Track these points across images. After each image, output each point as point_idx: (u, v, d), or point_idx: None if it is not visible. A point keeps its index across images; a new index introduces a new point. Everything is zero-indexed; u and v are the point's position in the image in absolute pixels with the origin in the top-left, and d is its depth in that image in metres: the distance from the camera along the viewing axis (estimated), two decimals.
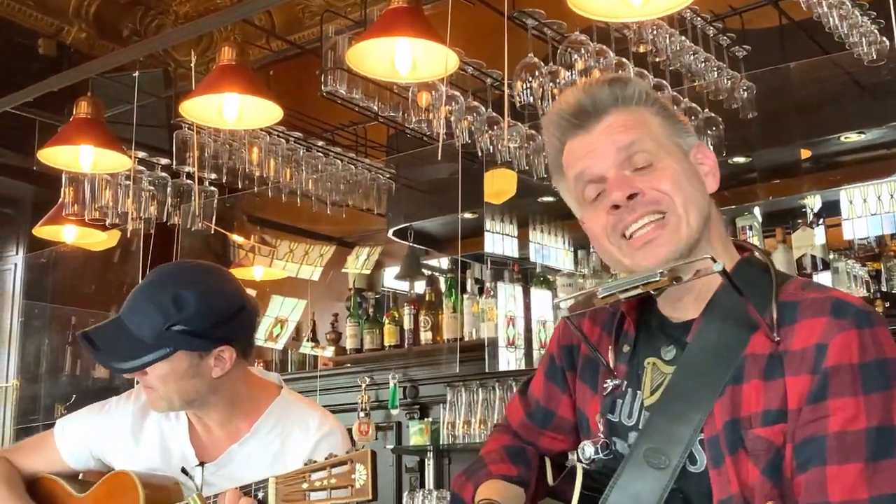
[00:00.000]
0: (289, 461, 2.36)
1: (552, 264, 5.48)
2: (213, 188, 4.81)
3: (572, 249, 5.43)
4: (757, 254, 1.77)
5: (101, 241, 5.34)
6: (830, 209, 4.64)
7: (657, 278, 1.59)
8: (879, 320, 1.55)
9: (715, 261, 1.55)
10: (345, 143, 4.86)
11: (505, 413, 2.12)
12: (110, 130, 4.11)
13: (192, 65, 3.86)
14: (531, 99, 3.31)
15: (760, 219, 4.63)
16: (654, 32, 3.13)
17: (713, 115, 3.65)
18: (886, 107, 4.21)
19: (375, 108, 3.82)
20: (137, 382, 2.45)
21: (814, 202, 4.69)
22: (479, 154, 3.78)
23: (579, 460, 1.79)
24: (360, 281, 6.28)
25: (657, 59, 3.27)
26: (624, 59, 3.32)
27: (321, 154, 4.50)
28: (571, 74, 3.23)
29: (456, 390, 5.52)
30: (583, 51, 3.19)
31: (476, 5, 3.64)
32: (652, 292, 1.65)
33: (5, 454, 2.66)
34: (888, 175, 4.59)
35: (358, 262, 6.44)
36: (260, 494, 2.11)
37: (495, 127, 3.71)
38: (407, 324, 5.80)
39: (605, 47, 3.28)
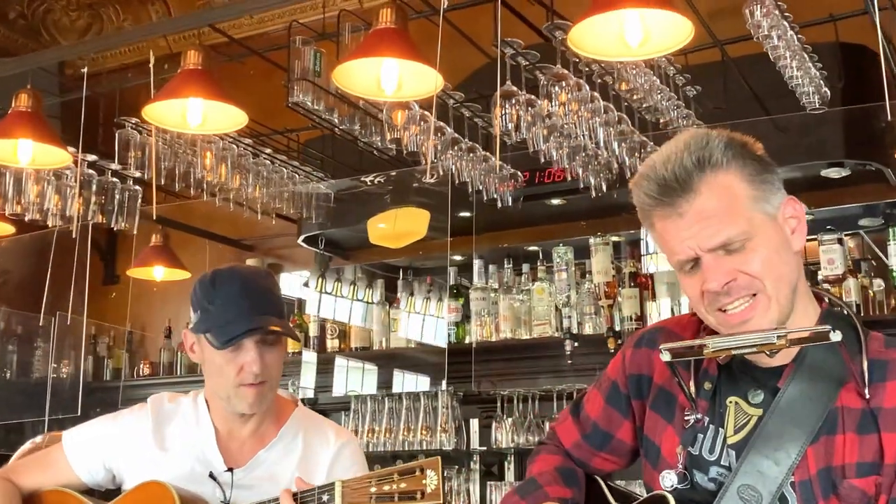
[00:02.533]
0: (312, 467, 2.49)
1: (463, 277, 5.61)
2: (137, 187, 4.70)
3: (482, 261, 5.54)
4: (835, 305, 1.91)
5: None
6: None
7: (774, 341, 1.69)
8: None
9: (834, 331, 1.65)
10: (275, 147, 4.82)
11: (555, 432, 2.19)
12: (50, 125, 3.97)
13: (151, 65, 3.75)
14: (510, 126, 3.42)
15: None
16: (635, 71, 3.31)
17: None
18: (799, 148, 4.54)
19: (335, 119, 3.84)
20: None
21: None
22: (442, 172, 3.86)
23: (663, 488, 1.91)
24: None
25: (635, 97, 3.45)
26: (595, 94, 3.48)
27: (268, 161, 4.47)
28: (552, 105, 3.36)
29: (360, 399, 5.58)
30: (564, 83, 3.33)
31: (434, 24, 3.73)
32: (767, 353, 1.74)
33: (4, 473, 2.58)
34: None
35: None
36: (325, 497, 2.16)
37: (455, 147, 3.81)
38: (313, 331, 5.80)
39: (581, 81, 3.43)
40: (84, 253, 5.38)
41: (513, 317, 5.28)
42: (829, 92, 3.67)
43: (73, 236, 4.13)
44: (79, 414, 5.26)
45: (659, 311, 5.11)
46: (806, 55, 3.41)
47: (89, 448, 2.56)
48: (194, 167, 4.27)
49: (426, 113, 3.70)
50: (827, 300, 1.91)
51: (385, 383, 5.75)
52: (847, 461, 1.69)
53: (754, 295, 1.72)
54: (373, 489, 2.09)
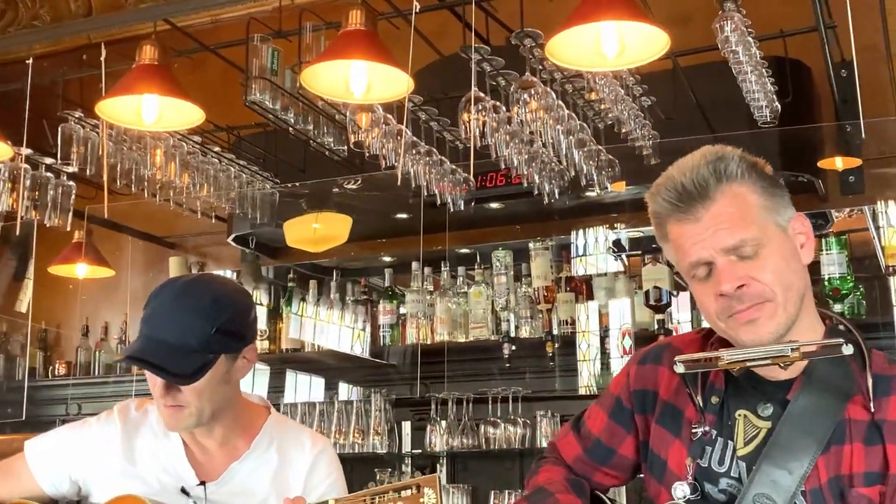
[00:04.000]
0: (290, 477, 2.43)
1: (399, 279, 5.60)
2: (71, 183, 4.55)
3: (420, 264, 5.53)
4: (838, 323, 1.96)
5: None
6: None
7: (788, 353, 1.75)
8: None
9: (845, 344, 1.74)
10: (214, 143, 4.71)
11: (556, 446, 2.22)
12: None
13: (103, 59, 3.63)
14: (477, 131, 3.42)
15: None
16: (603, 81, 3.35)
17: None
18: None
19: (291, 119, 3.79)
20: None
21: None
22: (401, 175, 3.84)
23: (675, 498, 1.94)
24: None
25: (602, 107, 3.50)
26: (561, 102, 3.52)
27: (216, 160, 4.36)
28: (521, 112, 3.38)
29: (292, 403, 5.53)
30: (533, 91, 3.35)
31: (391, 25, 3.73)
32: (780, 365, 1.80)
33: None
34: None
35: None
36: None
37: (414, 150, 3.80)
38: None
39: (549, 89, 3.45)
40: (28, 248, 5.20)
41: (449, 319, 5.29)
42: (779, 106, 3.78)
43: (16, 233, 3.96)
44: (23, 418, 5.04)
45: (587, 312, 5.19)
46: (763, 70, 3.51)
47: (53, 458, 2.44)
48: (139, 164, 4.14)
49: (389, 116, 3.67)
50: (830, 319, 1.96)
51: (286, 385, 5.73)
52: (855, 470, 1.76)
53: (764, 302, 1.78)
54: None
